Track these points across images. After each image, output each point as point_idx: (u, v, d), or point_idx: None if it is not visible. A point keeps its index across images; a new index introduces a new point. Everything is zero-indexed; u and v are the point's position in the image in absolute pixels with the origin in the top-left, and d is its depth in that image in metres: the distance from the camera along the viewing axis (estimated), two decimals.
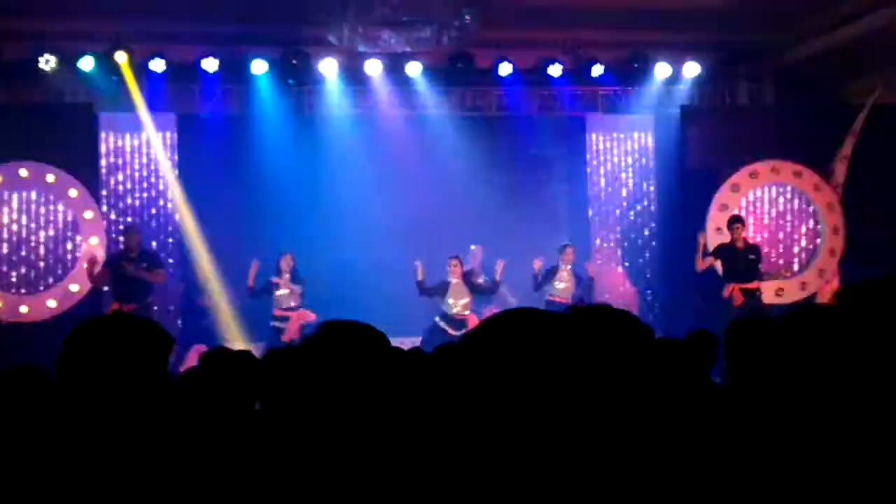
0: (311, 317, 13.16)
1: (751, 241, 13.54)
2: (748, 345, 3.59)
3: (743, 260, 13.06)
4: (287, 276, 13.26)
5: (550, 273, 13.68)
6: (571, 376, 2.01)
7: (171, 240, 14.55)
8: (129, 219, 14.33)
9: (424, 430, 2.43)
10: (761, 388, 2.99)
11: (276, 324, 13.22)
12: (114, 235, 13.94)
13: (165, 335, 2.67)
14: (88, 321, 2.67)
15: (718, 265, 13.27)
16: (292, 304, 13.28)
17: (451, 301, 13.32)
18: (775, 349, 2.59)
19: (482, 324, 2.12)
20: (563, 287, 13.62)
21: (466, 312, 13.29)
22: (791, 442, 2.48)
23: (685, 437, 2.53)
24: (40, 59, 13.37)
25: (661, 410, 2.43)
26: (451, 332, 13.03)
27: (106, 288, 13.14)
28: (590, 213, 15.45)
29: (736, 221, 13.23)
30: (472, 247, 14.35)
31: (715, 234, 14.16)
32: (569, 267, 13.68)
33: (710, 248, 13.36)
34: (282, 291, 13.25)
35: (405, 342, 10.43)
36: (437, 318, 13.40)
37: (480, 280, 13.75)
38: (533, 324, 2.06)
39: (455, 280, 13.35)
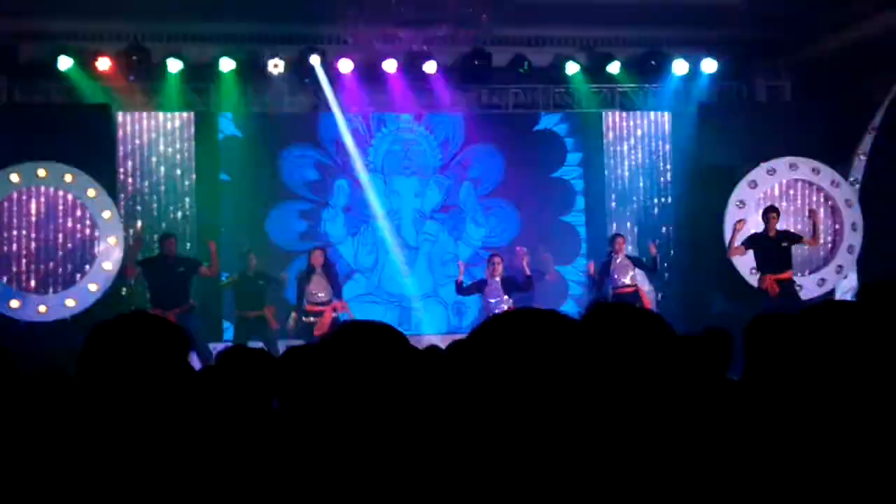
0: (344, 309, 13.08)
1: (782, 229, 13.33)
2: (767, 340, 3.57)
3: (776, 249, 12.94)
4: (320, 270, 12.96)
5: (605, 266, 13.49)
6: (584, 375, 2.01)
7: (188, 244, 14.54)
8: (142, 210, 14.42)
9: (440, 429, 2.43)
10: (779, 385, 2.98)
11: (310, 319, 12.87)
12: (131, 233, 13.99)
13: (183, 335, 2.67)
14: (109, 319, 2.67)
15: (751, 256, 13.19)
16: (323, 297, 12.93)
17: (489, 300, 13.18)
18: (794, 345, 2.58)
19: (485, 324, 2.11)
20: (625, 277, 13.36)
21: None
22: (807, 438, 2.47)
23: (701, 434, 2.52)
24: (58, 59, 13.43)
25: (677, 408, 2.42)
26: None
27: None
28: (607, 210, 15.41)
29: (770, 211, 13.13)
30: (518, 248, 14.14)
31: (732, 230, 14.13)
32: (622, 256, 13.44)
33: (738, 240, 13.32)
34: (313, 285, 12.92)
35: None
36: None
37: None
38: (537, 323, 2.05)
39: (495, 279, 13.17)
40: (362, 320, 2.55)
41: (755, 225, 13.59)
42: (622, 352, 2.23)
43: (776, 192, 14.73)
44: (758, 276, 13.07)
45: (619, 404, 2.20)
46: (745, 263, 14.10)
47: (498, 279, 13.10)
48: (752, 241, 13.07)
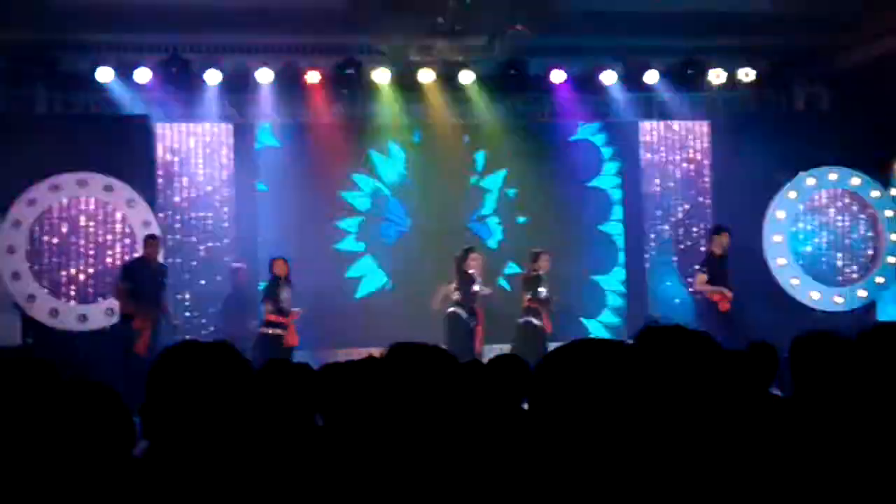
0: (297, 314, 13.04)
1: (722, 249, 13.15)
2: (816, 360, 3.53)
3: (723, 268, 12.87)
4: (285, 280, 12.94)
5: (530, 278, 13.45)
6: (639, 405, 2.01)
7: (225, 246, 14.60)
8: (181, 220, 14.53)
9: (487, 450, 2.42)
10: (832, 405, 2.95)
11: (272, 330, 12.78)
12: (170, 244, 14.06)
13: (245, 363, 2.65)
14: (182, 346, 2.66)
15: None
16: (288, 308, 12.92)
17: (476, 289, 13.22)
18: (849, 367, 2.54)
19: (553, 354, 2.13)
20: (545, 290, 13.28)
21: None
22: (860, 461, 2.45)
23: (747, 452, 2.50)
24: (97, 70, 13.53)
25: (724, 425, 2.40)
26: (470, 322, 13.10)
27: None
28: (644, 219, 15.34)
29: (718, 231, 13.09)
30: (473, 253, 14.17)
31: (772, 241, 14.06)
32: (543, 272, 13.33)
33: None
34: (284, 297, 12.85)
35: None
36: (454, 309, 13.21)
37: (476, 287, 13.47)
38: (602, 353, 2.06)
39: (475, 272, 13.23)
40: (414, 342, 2.55)
41: (795, 236, 13.66)
42: (672, 373, 2.22)
43: (816, 201, 14.63)
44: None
45: (671, 422, 2.19)
46: (784, 274, 14.04)
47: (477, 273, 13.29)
48: (707, 263, 12.95)
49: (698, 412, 2.18)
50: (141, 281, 12.45)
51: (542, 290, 13.20)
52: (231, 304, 13.95)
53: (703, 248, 14.39)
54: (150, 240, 12.81)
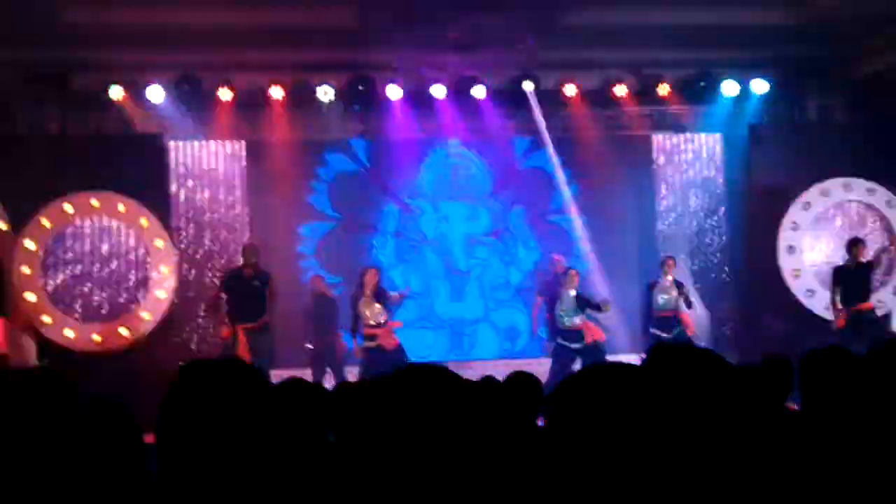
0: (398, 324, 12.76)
1: (864, 260, 12.93)
2: (826, 375, 3.49)
3: (856, 280, 12.72)
4: (369, 291, 12.49)
5: (650, 287, 13.33)
6: (652, 430, 2.00)
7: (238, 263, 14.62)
8: (195, 238, 14.54)
9: (500, 467, 2.41)
10: (840, 421, 2.92)
11: (370, 343, 12.40)
12: (183, 261, 14.09)
13: (265, 382, 2.63)
14: (197, 364, 2.63)
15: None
16: (381, 319, 12.49)
17: (562, 312, 12.96)
18: (859, 382, 2.52)
19: (564, 383, 2.13)
20: (667, 298, 13.21)
21: (578, 321, 12.91)
22: (868, 477, 2.42)
23: (760, 468, 2.48)
24: (109, 89, 13.57)
25: (737, 444, 2.38)
26: (572, 346, 12.78)
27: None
28: (658, 233, 15.31)
29: (858, 243, 12.88)
30: (556, 256, 14.23)
31: (786, 253, 14.00)
32: (670, 278, 13.25)
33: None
34: (370, 307, 12.43)
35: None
36: (558, 339, 13.00)
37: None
38: (612, 379, 2.05)
39: (571, 292, 13.00)
40: (424, 363, 2.53)
41: (809, 247, 13.57)
42: (685, 392, 2.20)
43: (830, 212, 14.58)
44: (837, 307, 12.70)
45: (684, 444, 2.17)
46: (800, 286, 13.98)
47: (573, 293, 12.99)
48: (840, 276, 12.77)
49: (713, 430, 2.15)
50: (233, 290, 12.38)
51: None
52: (314, 315, 13.89)
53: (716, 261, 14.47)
54: (246, 248, 12.84)
